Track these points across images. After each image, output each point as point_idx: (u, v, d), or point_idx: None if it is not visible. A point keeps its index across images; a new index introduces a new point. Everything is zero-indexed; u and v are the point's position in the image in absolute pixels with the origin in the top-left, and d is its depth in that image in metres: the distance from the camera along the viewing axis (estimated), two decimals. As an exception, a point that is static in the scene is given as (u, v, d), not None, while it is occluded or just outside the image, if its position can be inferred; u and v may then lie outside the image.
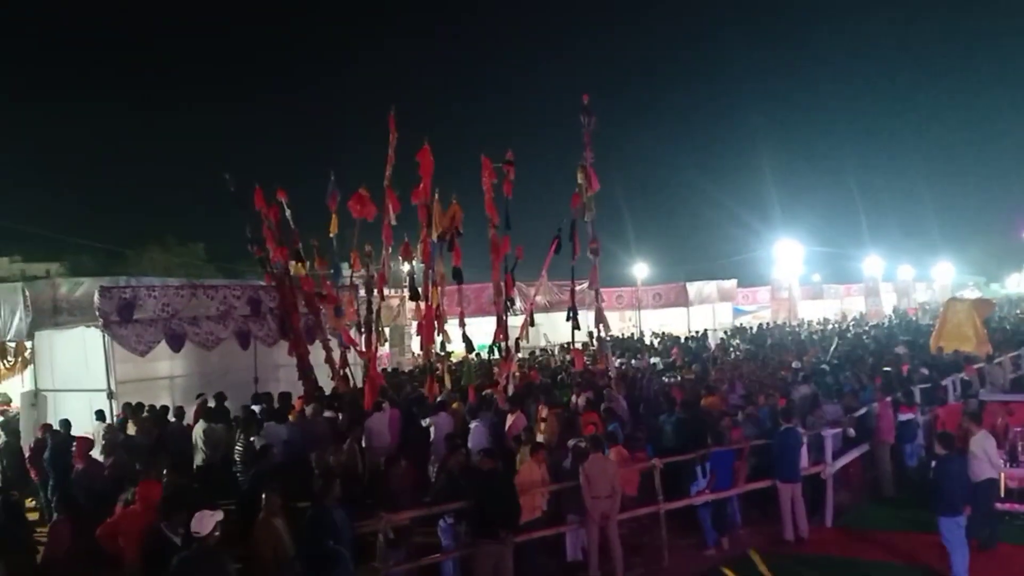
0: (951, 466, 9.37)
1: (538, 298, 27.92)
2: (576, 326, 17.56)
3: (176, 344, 15.05)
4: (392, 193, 16.32)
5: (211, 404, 13.83)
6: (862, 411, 13.61)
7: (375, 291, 16.92)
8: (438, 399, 14.70)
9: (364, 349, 16.68)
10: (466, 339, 16.88)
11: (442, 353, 17.34)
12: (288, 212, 16.71)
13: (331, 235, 17.07)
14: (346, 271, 18.43)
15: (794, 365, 19.83)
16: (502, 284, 16.56)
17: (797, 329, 37.06)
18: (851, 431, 12.79)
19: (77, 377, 14.76)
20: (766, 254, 49.22)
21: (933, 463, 9.95)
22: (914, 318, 44.09)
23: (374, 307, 16.96)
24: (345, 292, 17.80)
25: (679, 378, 18.60)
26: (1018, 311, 46.20)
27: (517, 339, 16.61)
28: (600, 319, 17.01)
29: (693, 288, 39.71)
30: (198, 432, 12.43)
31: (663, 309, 39.52)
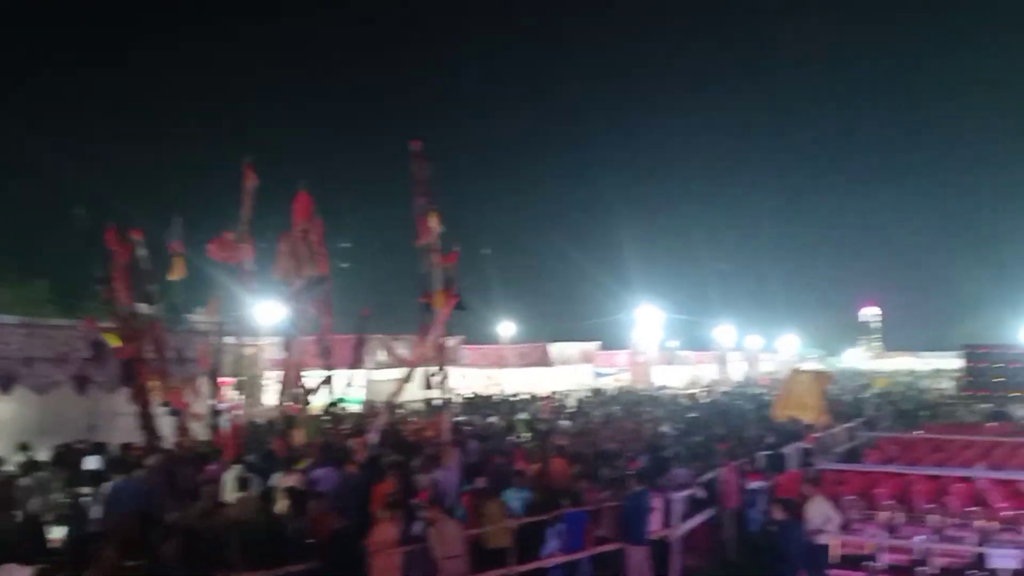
0: (790, 532, 9.77)
1: (402, 352, 27.78)
2: (432, 385, 17.49)
3: (4, 385, 14.03)
4: (249, 239, 15.91)
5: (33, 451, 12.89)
6: (709, 476, 14.06)
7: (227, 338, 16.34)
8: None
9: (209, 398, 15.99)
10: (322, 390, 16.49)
11: (302, 405, 16.83)
12: (141, 252, 15.93)
13: (173, 279, 16.39)
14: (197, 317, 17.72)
15: (663, 429, 20.42)
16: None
17: (657, 394, 38.19)
18: (700, 494, 13.20)
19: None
20: (627, 319, 50.83)
21: (773, 528, 10.36)
22: (765, 388, 46.27)
23: (229, 355, 16.35)
24: (195, 338, 17.09)
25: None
26: (854, 385, 49.34)
27: (392, 395, 16.36)
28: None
29: (556, 349, 40.39)
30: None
31: (525, 368, 39.92)
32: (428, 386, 16.73)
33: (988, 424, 25.61)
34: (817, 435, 19.25)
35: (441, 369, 16.89)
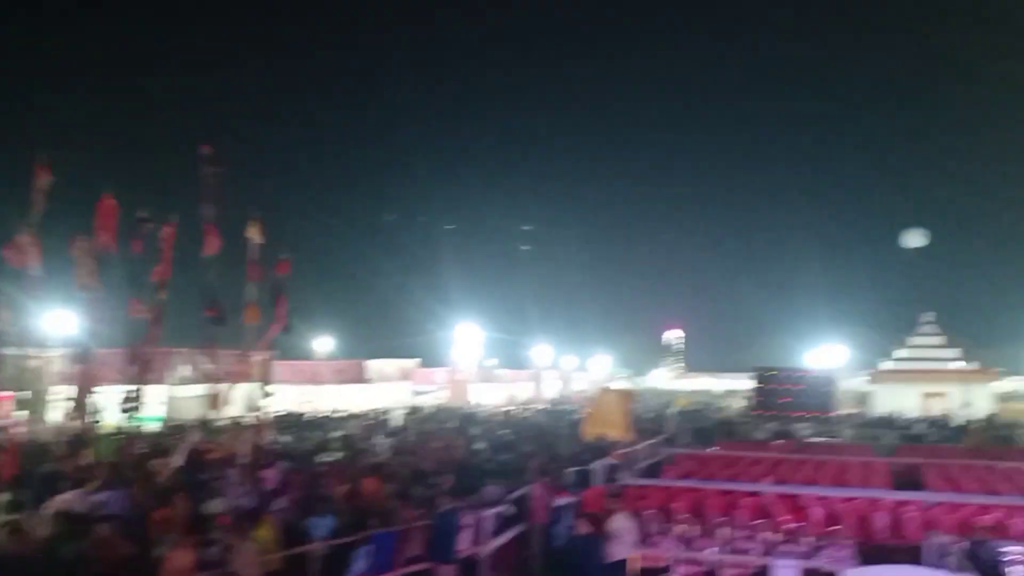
0: (592, 546, 10.08)
1: (210, 367, 26.41)
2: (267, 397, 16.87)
3: None
4: (36, 241, 14.66)
5: None
6: (520, 492, 14.26)
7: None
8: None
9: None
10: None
11: (96, 422, 15.60)
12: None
13: None
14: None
15: (477, 447, 20.52)
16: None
17: (474, 411, 38.47)
18: (510, 511, 13.35)
19: None
20: (447, 336, 51.01)
21: (577, 543, 10.65)
22: (577, 405, 47.70)
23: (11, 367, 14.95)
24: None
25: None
26: (657, 403, 51.99)
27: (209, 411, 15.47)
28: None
29: (374, 366, 39.86)
30: None
31: (342, 385, 39.10)
32: (226, 403, 16.07)
33: (775, 442, 27.69)
34: (622, 451, 20.03)
35: (265, 387, 16.29)
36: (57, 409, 20.33)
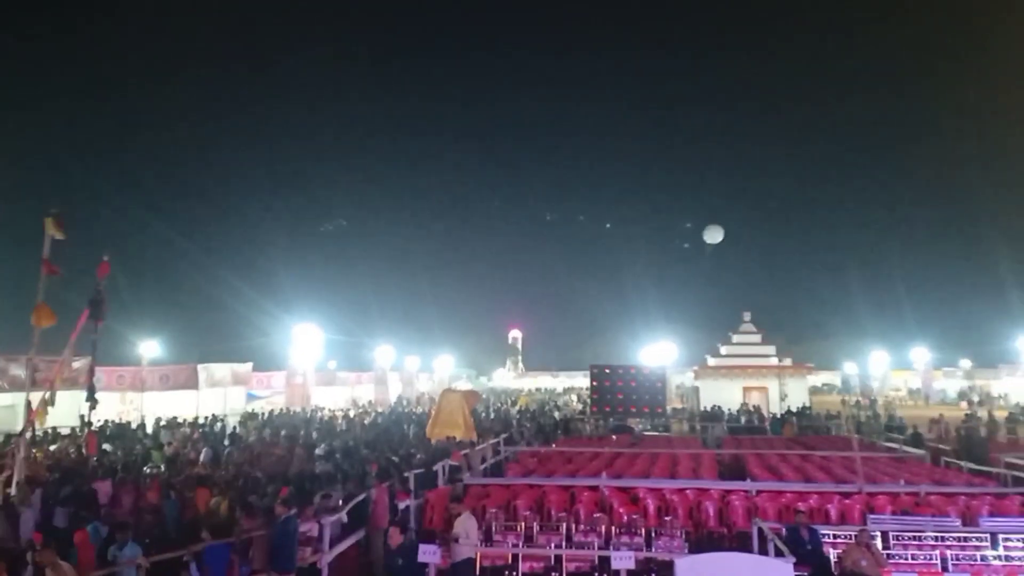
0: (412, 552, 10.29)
1: (18, 373, 24.37)
2: (93, 406, 15.69)
3: None
4: None
5: None
6: (360, 497, 13.99)
7: None
8: None
9: None
10: None
11: None
12: None
13: None
14: None
15: (318, 451, 19.95)
16: None
17: (313, 415, 37.49)
18: (344, 518, 13.06)
19: None
20: (284, 338, 49.37)
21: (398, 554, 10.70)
22: (421, 407, 47.40)
23: None
24: None
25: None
26: (500, 403, 52.63)
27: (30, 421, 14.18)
28: None
29: (205, 370, 37.98)
30: None
31: (171, 391, 37.03)
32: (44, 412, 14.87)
33: (613, 436, 28.64)
34: (464, 452, 20.09)
35: (89, 394, 15.18)
36: None
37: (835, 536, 12.38)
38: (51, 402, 15.14)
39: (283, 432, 27.65)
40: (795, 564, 9.20)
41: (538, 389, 77.93)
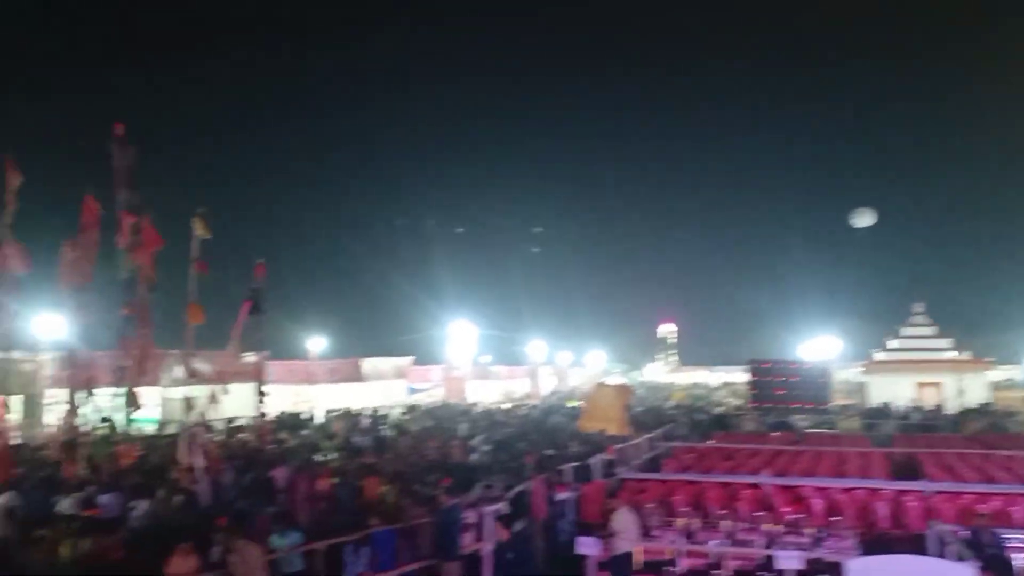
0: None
1: (203, 368, 26.27)
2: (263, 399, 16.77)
3: None
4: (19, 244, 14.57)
5: None
6: (518, 489, 14.20)
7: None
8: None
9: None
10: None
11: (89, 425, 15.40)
12: None
13: None
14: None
15: (473, 443, 20.43)
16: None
17: (470, 408, 38.40)
18: (506, 508, 13.28)
19: None
20: (441, 334, 50.89)
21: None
22: (574, 402, 47.50)
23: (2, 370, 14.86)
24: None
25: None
26: (654, 397, 52.04)
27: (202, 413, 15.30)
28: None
29: (369, 364, 39.69)
30: None
31: (337, 384, 38.93)
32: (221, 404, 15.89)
33: (772, 434, 27.71)
34: (619, 446, 20.00)
35: (261, 387, 16.16)
36: (52, 412, 20.19)
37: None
38: (222, 394, 16.16)
39: (442, 424, 28.50)
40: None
41: (694, 384, 76.41)
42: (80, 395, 15.28)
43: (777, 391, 34.52)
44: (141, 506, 11.36)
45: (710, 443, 24.71)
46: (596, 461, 17.96)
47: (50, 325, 18.37)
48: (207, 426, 15.45)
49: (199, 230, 15.20)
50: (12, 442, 15.72)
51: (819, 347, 48.54)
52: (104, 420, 15.38)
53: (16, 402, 18.97)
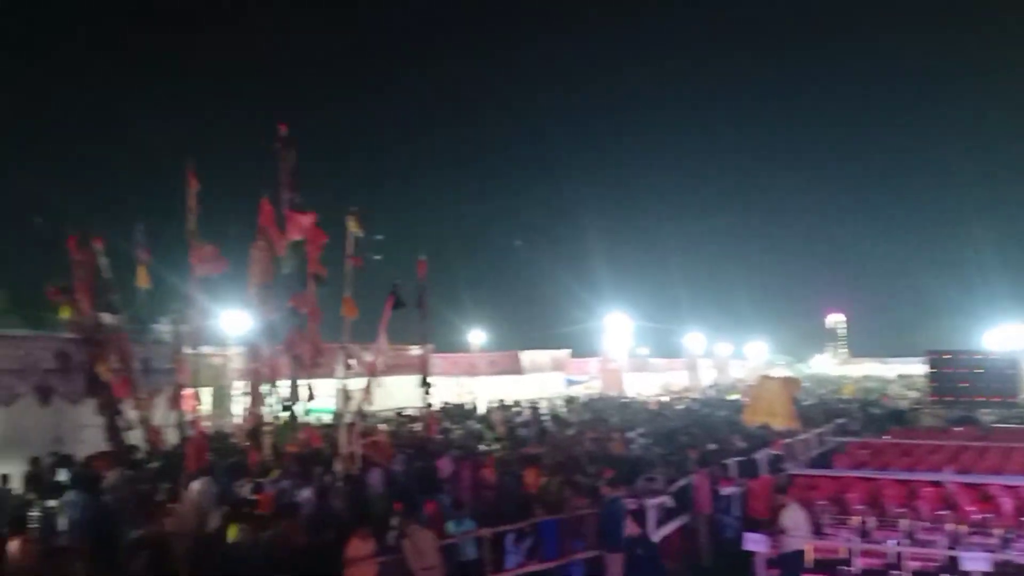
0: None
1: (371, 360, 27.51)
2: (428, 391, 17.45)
3: (-34, 396, 13.58)
4: (196, 245, 15.79)
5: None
6: (681, 482, 14.07)
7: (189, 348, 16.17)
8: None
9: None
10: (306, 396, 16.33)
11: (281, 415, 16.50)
12: (103, 261, 15.68)
13: (142, 288, 16.19)
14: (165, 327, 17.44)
15: (627, 436, 20.37)
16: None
17: (628, 401, 38.25)
18: (670, 502, 13.20)
19: None
20: (597, 327, 50.93)
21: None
22: (736, 394, 46.30)
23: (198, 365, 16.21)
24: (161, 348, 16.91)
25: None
26: (821, 391, 49.85)
27: (360, 403, 16.11)
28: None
29: (527, 357, 40.26)
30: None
31: (497, 376, 39.73)
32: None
33: (956, 429, 25.96)
34: (786, 441, 19.37)
35: (426, 378, 16.77)
36: (238, 403, 21.76)
37: None
38: (376, 387, 16.84)
39: (601, 416, 28.53)
40: None
41: (865, 376, 72.55)
42: (264, 386, 16.38)
43: (960, 383, 32.35)
44: (305, 493, 12.02)
45: (886, 438, 23.46)
46: (762, 456, 17.49)
47: (236, 322, 19.78)
48: (364, 415, 16.13)
49: (353, 227, 15.91)
50: (205, 432, 17.09)
51: (1006, 336, 45.03)
52: (285, 410, 16.38)
53: (206, 394, 20.48)
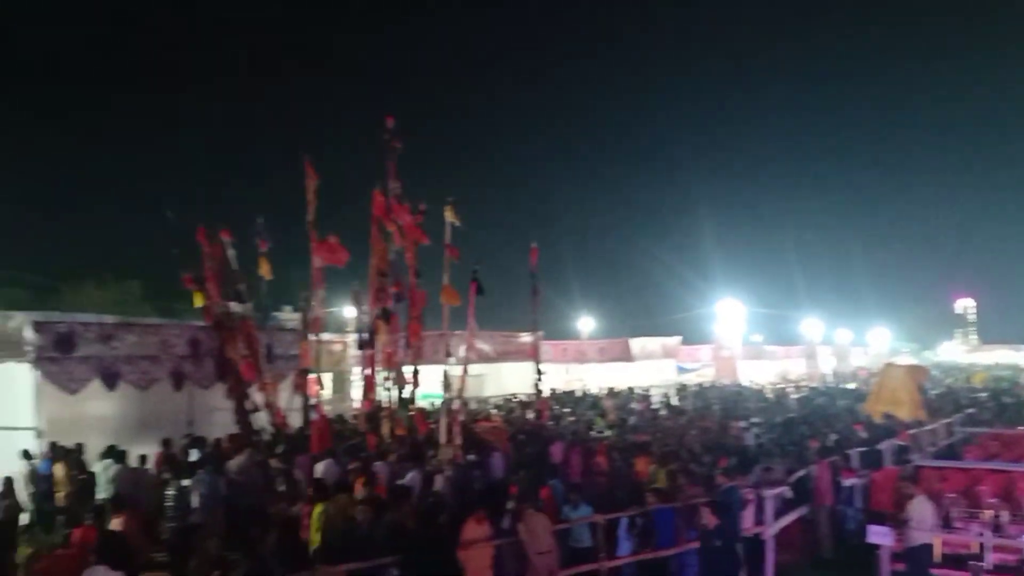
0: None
1: (484, 347, 27.93)
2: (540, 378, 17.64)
3: (110, 382, 14.51)
4: (315, 236, 16.38)
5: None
6: (801, 473, 13.70)
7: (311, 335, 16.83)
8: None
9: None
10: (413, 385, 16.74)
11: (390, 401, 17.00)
12: (231, 252, 16.50)
13: (264, 278, 16.98)
14: (285, 315, 18.25)
15: (741, 425, 20.01)
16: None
17: (743, 389, 37.48)
18: (789, 492, 12.88)
19: (1, 414, 14.06)
20: (708, 313, 50.02)
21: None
22: (857, 383, 44.58)
23: (315, 351, 16.87)
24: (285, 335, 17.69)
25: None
26: (950, 379, 47.46)
27: (460, 389, 16.41)
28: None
29: (637, 344, 39.93)
30: (109, 476, 11.90)
31: (607, 364, 39.59)
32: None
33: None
34: (912, 431, 18.58)
35: (537, 365, 16.93)
36: (356, 388, 22.48)
37: None
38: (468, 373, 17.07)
39: (714, 404, 28.07)
40: None
41: (996, 364, 68.62)
42: (380, 372, 16.90)
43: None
44: (413, 475, 12.28)
45: (1020, 429, 22.17)
46: (886, 447, 16.84)
47: (354, 310, 20.42)
48: (465, 401, 16.37)
49: (449, 217, 16.13)
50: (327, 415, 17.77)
51: None
52: (400, 395, 16.86)
53: (327, 379, 21.26)
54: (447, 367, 16.82)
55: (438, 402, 18.78)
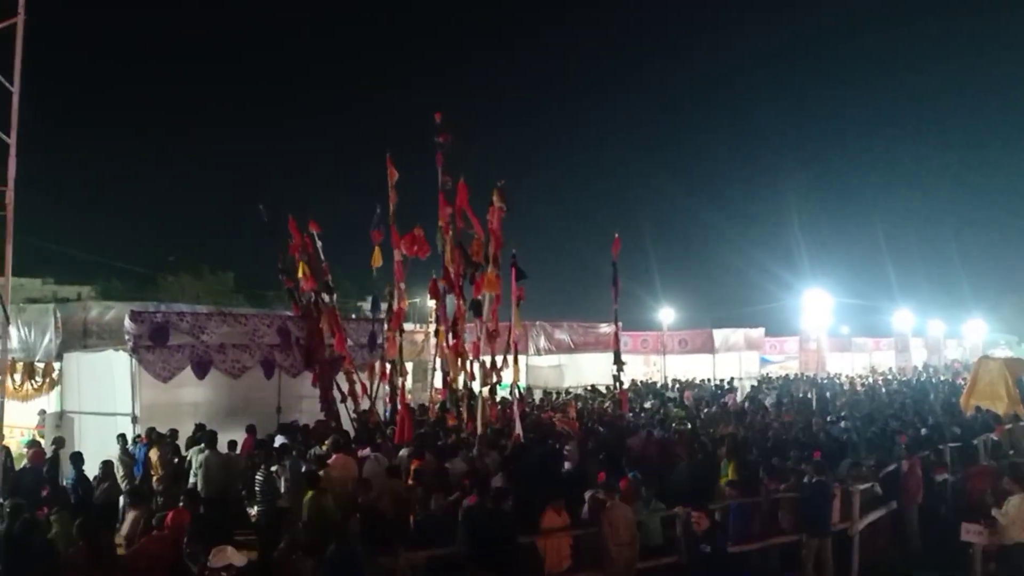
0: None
1: (563, 337, 27.92)
2: (620, 369, 17.62)
3: (201, 371, 14.93)
4: (395, 230, 16.68)
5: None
6: (890, 468, 13.33)
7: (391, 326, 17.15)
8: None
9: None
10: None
11: (465, 391, 17.18)
12: (320, 244, 16.92)
13: (373, 268, 17.41)
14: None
15: (828, 419, 19.57)
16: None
17: (830, 381, 36.54)
18: (878, 488, 12.54)
19: (102, 400, 14.77)
20: (794, 304, 48.72)
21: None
22: (950, 376, 42.92)
23: (397, 342, 17.17)
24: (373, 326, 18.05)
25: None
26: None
27: (514, 380, 16.52)
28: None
29: (720, 335, 39.21)
30: (199, 461, 12.32)
31: (688, 355, 39.06)
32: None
33: None
34: (1008, 426, 17.85)
35: (617, 357, 16.89)
36: (437, 378, 22.80)
37: None
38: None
39: (799, 397, 27.46)
40: None
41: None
42: (458, 363, 17.11)
43: None
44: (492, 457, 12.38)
45: None
46: (981, 442, 16.23)
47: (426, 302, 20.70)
48: (522, 392, 16.33)
49: (497, 201, 16.13)
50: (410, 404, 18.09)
51: None
52: (480, 386, 17.05)
53: (408, 369, 21.62)
54: (524, 358, 16.88)
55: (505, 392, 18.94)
